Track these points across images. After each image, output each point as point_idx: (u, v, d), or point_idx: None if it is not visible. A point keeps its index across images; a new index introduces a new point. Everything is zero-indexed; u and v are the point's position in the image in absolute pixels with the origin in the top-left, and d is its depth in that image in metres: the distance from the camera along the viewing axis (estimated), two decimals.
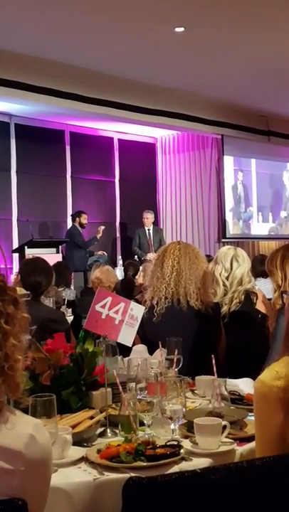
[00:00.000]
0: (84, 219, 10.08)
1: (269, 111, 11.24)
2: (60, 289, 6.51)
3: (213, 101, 10.37)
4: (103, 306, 2.36)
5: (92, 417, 2.15)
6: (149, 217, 10.68)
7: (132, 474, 1.75)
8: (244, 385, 2.59)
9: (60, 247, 9.07)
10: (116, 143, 11.63)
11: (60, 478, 1.76)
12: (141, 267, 6.25)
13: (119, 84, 9.13)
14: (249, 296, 3.45)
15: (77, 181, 10.89)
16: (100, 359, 2.36)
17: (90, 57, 8.21)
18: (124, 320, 2.40)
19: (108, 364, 2.48)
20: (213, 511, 1.39)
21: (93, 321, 2.35)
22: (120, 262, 9.92)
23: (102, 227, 10.09)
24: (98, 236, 10.02)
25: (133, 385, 2.22)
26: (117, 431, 2.08)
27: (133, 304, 2.45)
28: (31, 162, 10.02)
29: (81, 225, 10.08)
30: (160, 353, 2.63)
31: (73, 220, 10.19)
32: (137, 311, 2.47)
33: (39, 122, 10.07)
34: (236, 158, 11.96)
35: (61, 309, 5.56)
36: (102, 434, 2.12)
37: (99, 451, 1.91)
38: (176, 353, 2.57)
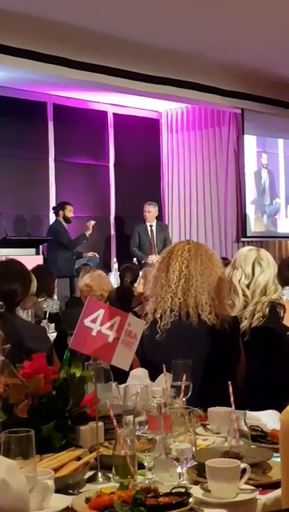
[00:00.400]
0: (69, 212, 10.09)
1: None
2: (40, 299, 6.51)
3: (231, 66, 10.39)
4: (94, 321, 2.36)
5: (79, 458, 2.15)
6: (151, 211, 10.69)
7: None
8: (268, 419, 2.59)
9: (40, 246, 9.07)
10: (110, 118, 11.65)
11: None
12: (141, 273, 6.25)
13: (114, 45, 9.14)
14: (275, 308, 3.45)
15: (62, 166, 10.91)
16: (90, 386, 2.36)
17: (78, 12, 8.22)
18: (120, 338, 2.40)
19: (100, 392, 2.48)
20: None
21: (81, 339, 2.35)
22: (115, 265, 9.93)
23: (92, 222, 10.10)
24: (87, 233, 10.04)
25: (131, 418, 2.22)
26: (111, 475, 2.08)
27: (131, 318, 2.45)
28: (4, 142, 10.04)
29: (66, 219, 10.09)
30: (164, 379, 2.63)
31: (56, 214, 10.20)
32: (136, 326, 2.46)
33: (14, 92, 10.09)
34: (260, 137, 11.97)
35: (42, 324, 5.56)
36: (92, 479, 2.12)
37: (88, 500, 1.91)
38: (184, 378, 2.57)
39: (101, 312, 2.36)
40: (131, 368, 2.74)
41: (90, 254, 10.31)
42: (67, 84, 9.70)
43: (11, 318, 3.59)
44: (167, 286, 3.16)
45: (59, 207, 10.20)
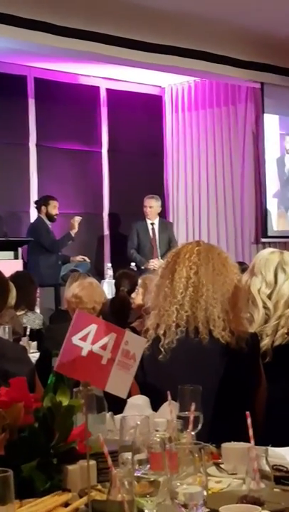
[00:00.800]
0: (53, 208, 10.11)
1: None
2: (19, 313, 6.51)
3: (248, 32, 10.40)
4: (84, 338, 2.36)
5: (66, 504, 2.15)
6: (152, 206, 10.71)
7: None
8: None
9: (19, 249, 9.09)
10: (103, 95, 11.68)
11: None
12: (140, 280, 6.24)
13: (107, 7, 9.16)
14: None
15: (46, 152, 10.93)
16: (79, 417, 2.35)
17: None
18: (116, 359, 2.39)
19: (91, 424, 2.47)
20: None
21: (69, 361, 2.35)
22: (110, 272, 9.94)
23: (78, 219, 10.07)
24: (73, 232, 10.03)
25: (129, 455, 2.22)
26: None
27: (129, 335, 2.45)
28: None
29: (49, 216, 10.10)
30: (169, 409, 2.63)
31: (38, 210, 10.22)
32: (135, 345, 2.46)
33: None
34: (283, 117, 11.99)
35: (21, 342, 5.57)
36: None
37: None
38: (192, 408, 2.57)
39: (93, 328, 2.36)
40: (129, 396, 2.74)
41: (79, 258, 10.32)
42: (51, 54, 9.72)
43: None
44: (172, 296, 3.16)
45: (41, 202, 10.22)
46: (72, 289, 5.10)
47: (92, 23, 9.15)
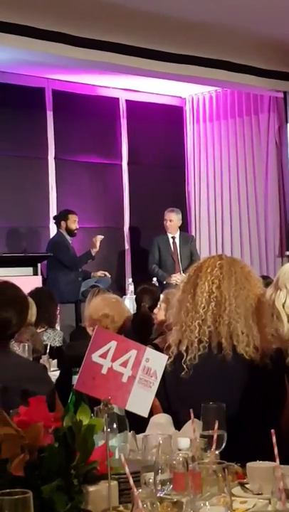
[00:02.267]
0: (73, 222, 10.11)
1: None
2: (39, 330, 6.52)
3: (270, 41, 10.40)
4: (104, 356, 2.36)
5: None
6: (173, 220, 10.70)
7: None
8: None
9: (39, 265, 9.11)
10: (123, 107, 11.70)
11: None
12: (162, 296, 6.23)
13: (126, 17, 9.19)
14: None
15: (65, 165, 10.96)
16: (100, 436, 2.35)
17: None
18: (137, 376, 2.40)
19: (113, 444, 2.47)
20: None
21: (89, 379, 2.35)
22: (131, 287, 9.94)
23: (100, 238, 10.05)
24: (94, 251, 9.99)
25: (151, 476, 2.21)
26: None
27: (150, 352, 2.45)
28: None
29: (69, 231, 10.10)
30: (192, 427, 2.62)
31: (58, 225, 10.23)
32: (156, 362, 2.46)
33: (4, 77, 10.16)
34: None
35: (41, 360, 5.57)
36: None
37: None
38: (216, 426, 2.56)
39: (113, 345, 2.37)
40: (151, 414, 2.74)
41: (100, 273, 10.32)
42: (70, 65, 9.75)
43: (3, 353, 3.60)
44: (194, 311, 3.16)
45: (61, 216, 10.22)
46: (100, 308, 4.98)
47: (111, 33, 9.18)
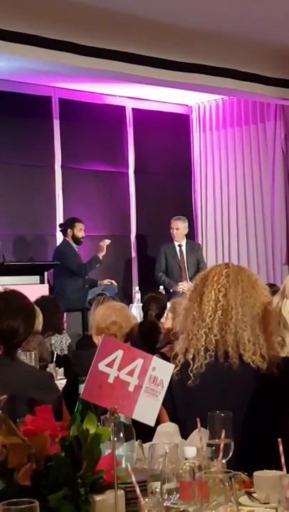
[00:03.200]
0: (79, 231, 10.12)
1: None
2: (46, 338, 6.52)
3: (275, 49, 10.41)
4: (110, 365, 2.36)
5: None
6: (180, 228, 10.70)
7: None
8: None
9: (45, 273, 9.11)
10: (129, 115, 11.72)
11: None
12: (169, 304, 6.24)
13: (132, 26, 9.21)
14: None
15: (71, 174, 10.97)
16: (107, 445, 2.35)
17: None
18: (143, 385, 2.39)
19: (120, 453, 2.47)
20: None
21: (95, 388, 2.35)
22: (137, 295, 9.94)
23: (107, 242, 10.10)
24: (101, 255, 10.04)
25: (158, 485, 2.21)
26: None
27: (156, 361, 2.45)
28: (0, 146, 10.12)
29: (76, 239, 10.11)
30: (199, 436, 2.62)
31: (64, 233, 10.23)
32: (163, 371, 2.46)
33: (11, 85, 10.19)
34: None
35: (48, 369, 5.57)
36: None
37: None
38: (223, 435, 2.56)
39: (119, 354, 2.37)
40: (158, 423, 2.73)
41: (107, 281, 10.32)
42: (76, 74, 9.77)
43: (11, 362, 3.60)
44: (201, 320, 3.16)
45: (67, 224, 10.23)
46: (107, 316, 4.99)
47: (117, 42, 9.19)
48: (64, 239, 10.24)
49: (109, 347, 2.36)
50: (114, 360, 2.34)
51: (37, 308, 5.03)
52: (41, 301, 6.65)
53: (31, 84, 10.39)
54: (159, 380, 2.40)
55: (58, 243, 10.44)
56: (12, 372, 3.53)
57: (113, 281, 10.38)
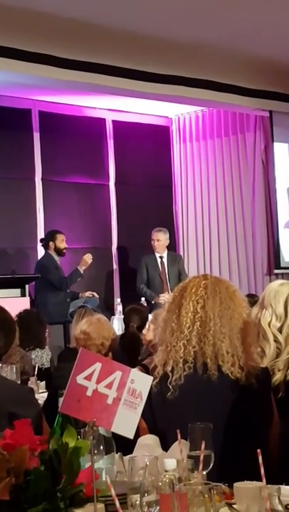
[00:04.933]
0: (61, 242, 10.10)
1: None
2: (28, 352, 6.50)
3: (255, 61, 10.46)
4: (88, 378, 2.36)
5: None
6: (160, 239, 10.71)
7: None
8: None
9: (26, 286, 9.09)
10: (110, 127, 11.74)
11: None
12: (151, 316, 6.23)
13: (111, 38, 9.23)
14: None
15: (52, 186, 10.97)
16: (87, 459, 2.35)
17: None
18: (122, 398, 2.40)
19: (100, 466, 2.47)
20: None
21: (74, 401, 2.35)
22: (119, 307, 9.93)
23: (89, 257, 10.07)
24: (82, 268, 10.02)
25: (138, 497, 2.21)
26: None
27: (134, 374, 2.45)
28: None
29: (58, 251, 10.09)
30: (179, 448, 2.62)
31: (46, 246, 10.21)
32: (142, 383, 2.46)
33: None
34: None
35: (30, 383, 5.56)
36: None
37: None
38: (203, 446, 2.56)
39: (97, 366, 2.37)
40: (138, 435, 2.73)
41: (88, 294, 10.30)
42: (55, 87, 9.79)
43: None
44: (179, 331, 3.15)
45: (48, 237, 10.21)
46: (80, 326, 5.10)
47: (96, 54, 9.21)
48: (46, 252, 10.22)
49: (87, 360, 2.36)
50: (92, 373, 2.34)
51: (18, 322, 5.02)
52: (24, 315, 6.65)
53: (10, 97, 10.38)
54: (138, 393, 2.40)
55: (39, 256, 10.43)
56: None
57: (95, 294, 10.37)
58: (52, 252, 10.11)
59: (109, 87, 9.64)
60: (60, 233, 10.16)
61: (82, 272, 10.02)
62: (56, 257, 10.10)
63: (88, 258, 10.03)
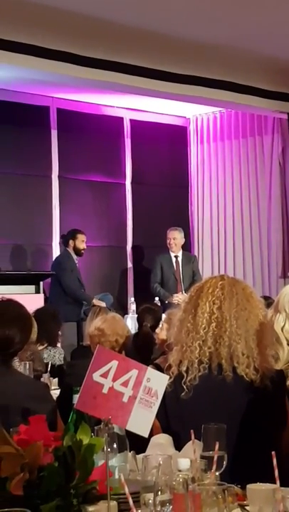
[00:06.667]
0: (81, 242, 10.07)
1: None
2: (40, 348, 6.51)
3: (274, 62, 10.44)
4: (105, 375, 2.36)
5: None
6: (176, 238, 10.70)
7: None
8: None
9: (41, 283, 9.10)
10: (127, 126, 11.74)
11: None
12: (164, 315, 6.24)
13: (131, 37, 9.23)
14: None
15: (68, 184, 10.98)
16: (100, 456, 2.35)
17: None
18: (137, 396, 2.39)
19: (113, 464, 2.47)
20: None
21: (89, 398, 2.35)
22: (133, 306, 9.91)
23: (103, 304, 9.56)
24: (93, 302, 9.69)
25: (151, 496, 2.21)
26: None
27: (151, 372, 2.45)
28: None
29: (76, 250, 10.07)
30: (193, 448, 2.62)
31: (65, 244, 10.19)
32: (158, 382, 2.46)
33: (9, 95, 10.20)
34: None
35: (42, 379, 5.56)
36: None
37: None
38: (217, 447, 2.56)
39: (114, 364, 2.37)
40: (151, 435, 2.73)
41: (101, 294, 10.28)
42: (74, 84, 9.79)
43: (5, 372, 3.60)
44: (195, 332, 3.15)
45: (69, 235, 10.18)
46: (95, 323, 5.12)
47: (116, 53, 9.21)
48: (65, 249, 10.21)
49: (104, 357, 2.36)
50: (108, 370, 2.35)
51: (33, 318, 5.03)
52: (40, 311, 6.66)
53: (29, 94, 10.40)
54: (154, 391, 2.40)
55: (55, 253, 10.44)
56: (7, 381, 3.53)
57: (108, 293, 10.31)
58: (71, 251, 10.11)
59: (128, 86, 9.63)
60: (81, 233, 10.15)
61: (91, 304, 9.60)
62: (74, 256, 10.10)
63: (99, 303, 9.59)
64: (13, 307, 3.76)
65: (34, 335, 5.85)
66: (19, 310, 3.77)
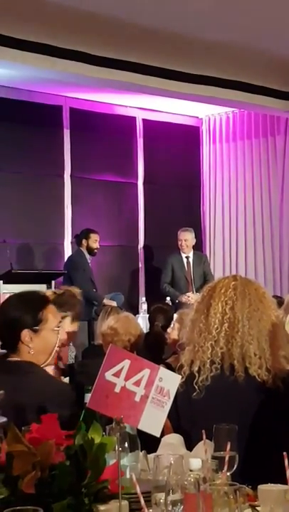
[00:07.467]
0: (94, 242, 10.07)
1: None
2: None
3: (288, 62, 10.42)
4: (117, 374, 2.36)
5: None
6: (188, 239, 10.69)
7: None
8: None
9: (53, 282, 9.10)
10: (140, 126, 11.74)
11: None
12: (175, 315, 6.24)
13: (144, 37, 9.23)
14: None
15: (80, 183, 10.99)
16: (112, 455, 2.35)
17: None
18: (150, 396, 2.39)
19: (124, 463, 2.47)
20: None
21: (102, 397, 2.35)
22: (144, 306, 9.92)
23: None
24: (101, 301, 9.64)
25: (162, 496, 2.20)
26: None
27: (163, 371, 2.45)
28: (9, 154, 10.15)
29: (89, 250, 10.07)
30: (204, 448, 2.62)
31: (79, 243, 10.19)
32: (170, 381, 2.46)
33: (23, 94, 10.23)
34: None
35: None
36: None
37: None
38: (228, 447, 2.55)
39: (126, 363, 2.36)
40: (162, 434, 2.73)
41: (112, 293, 10.28)
42: (87, 84, 9.80)
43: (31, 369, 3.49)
44: (207, 332, 3.15)
45: (82, 235, 10.19)
46: (108, 322, 5.13)
47: (129, 52, 9.22)
48: (78, 249, 10.22)
49: (116, 356, 2.36)
50: (121, 369, 2.34)
51: None
52: None
53: (42, 94, 10.42)
54: (166, 391, 2.40)
55: (66, 252, 10.45)
56: (31, 380, 3.42)
57: (119, 293, 10.31)
58: (84, 250, 10.12)
59: (141, 86, 9.64)
60: (94, 233, 10.15)
61: (101, 305, 9.60)
62: (87, 256, 10.10)
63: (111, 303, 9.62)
64: (27, 294, 3.68)
65: None
66: (36, 294, 3.69)
